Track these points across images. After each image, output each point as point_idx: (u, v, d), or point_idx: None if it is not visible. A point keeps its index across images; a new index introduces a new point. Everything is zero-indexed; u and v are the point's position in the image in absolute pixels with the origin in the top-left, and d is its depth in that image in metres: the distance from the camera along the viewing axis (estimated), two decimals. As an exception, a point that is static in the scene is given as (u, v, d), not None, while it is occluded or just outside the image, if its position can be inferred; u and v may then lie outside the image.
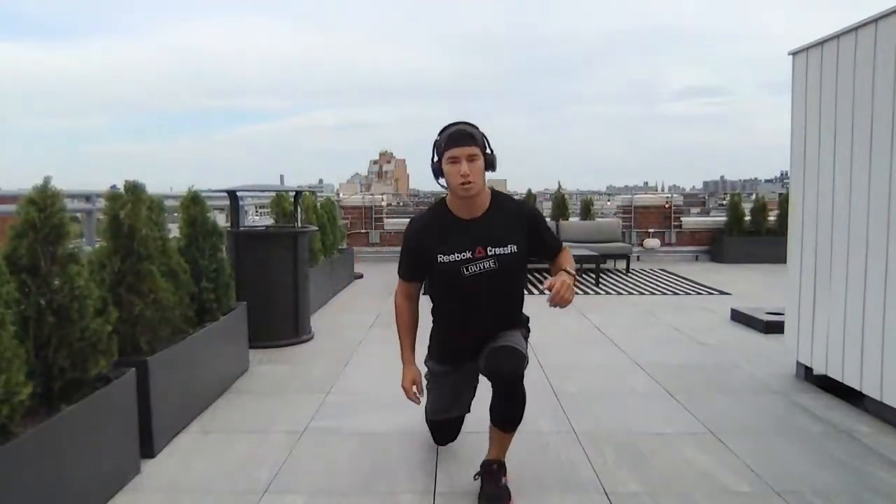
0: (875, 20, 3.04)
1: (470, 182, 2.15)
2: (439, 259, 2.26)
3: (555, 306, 2.11)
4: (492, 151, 2.25)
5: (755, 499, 2.36)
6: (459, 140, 2.17)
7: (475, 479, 2.37)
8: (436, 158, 2.24)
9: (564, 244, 2.46)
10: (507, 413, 2.24)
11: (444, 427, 2.65)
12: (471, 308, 2.32)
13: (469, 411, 2.61)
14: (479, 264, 2.24)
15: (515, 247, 2.26)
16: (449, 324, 2.43)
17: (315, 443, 2.92)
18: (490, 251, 2.24)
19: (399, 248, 2.46)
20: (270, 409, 3.37)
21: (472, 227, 2.26)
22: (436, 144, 2.25)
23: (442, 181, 2.26)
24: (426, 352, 2.60)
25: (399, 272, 2.45)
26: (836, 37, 3.35)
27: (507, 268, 2.26)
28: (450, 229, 2.28)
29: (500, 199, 2.33)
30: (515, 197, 2.56)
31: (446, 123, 2.27)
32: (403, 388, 2.45)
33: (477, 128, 2.25)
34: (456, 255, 2.24)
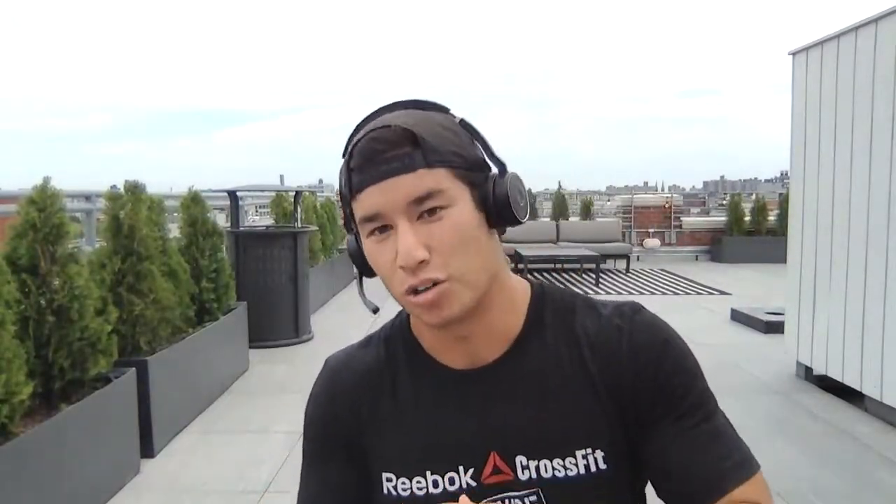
0: (875, 20, 3.04)
1: (435, 283, 0.62)
2: (386, 488, 0.71)
3: None
4: (500, 164, 0.67)
5: (755, 499, 2.36)
6: (373, 160, 0.62)
7: None
8: (346, 212, 0.70)
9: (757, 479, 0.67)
10: None
11: None
12: None
13: None
14: None
15: (602, 454, 0.68)
16: None
17: (315, 443, 2.92)
18: (525, 470, 0.67)
19: None
20: (270, 409, 3.37)
21: (478, 393, 0.71)
22: (340, 178, 0.67)
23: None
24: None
25: None
26: (836, 37, 3.35)
27: None
28: (412, 401, 0.74)
29: (555, 307, 0.73)
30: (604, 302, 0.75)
31: (364, 116, 0.68)
32: None
33: (439, 110, 0.67)
34: (429, 475, 0.70)
